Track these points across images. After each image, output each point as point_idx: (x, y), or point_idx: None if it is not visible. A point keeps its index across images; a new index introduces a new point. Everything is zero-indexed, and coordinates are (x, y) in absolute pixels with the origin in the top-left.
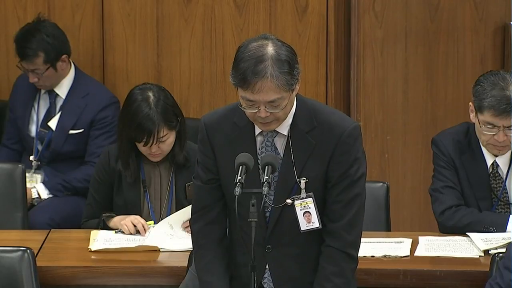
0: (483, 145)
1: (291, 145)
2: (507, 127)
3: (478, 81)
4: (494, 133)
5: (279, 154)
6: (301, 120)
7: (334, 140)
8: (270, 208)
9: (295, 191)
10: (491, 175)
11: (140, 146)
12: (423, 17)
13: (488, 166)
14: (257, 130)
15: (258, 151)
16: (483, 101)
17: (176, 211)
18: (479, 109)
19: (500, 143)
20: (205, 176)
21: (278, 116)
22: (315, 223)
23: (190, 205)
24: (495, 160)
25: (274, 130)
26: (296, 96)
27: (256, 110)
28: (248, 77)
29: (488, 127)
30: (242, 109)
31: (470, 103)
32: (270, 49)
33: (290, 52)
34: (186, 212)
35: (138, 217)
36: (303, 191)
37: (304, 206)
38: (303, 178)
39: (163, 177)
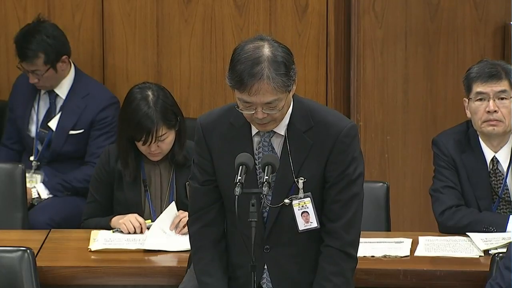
0: (479, 129)
1: (288, 145)
2: (497, 93)
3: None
4: (485, 105)
5: (276, 154)
6: (298, 120)
7: (331, 140)
8: (268, 208)
9: (293, 191)
10: (491, 172)
11: (140, 145)
12: (423, 17)
13: (488, 162)
14: (254, 130)
15: (255, 152)
16: (469, 75)
17: (177, 210)
18: (468, 88)
19: (493, 116)
20: (202, 177)
21: (275, 117)
22: (313, 223)
23: (172, 204)
24: (494, 155)
25: (271, 130)
26: (292, 96)
27: (253, 112)
28: (244, 79)
29: (479, 100)
30: (239, 110)
31: (464, 98)
32: (266, 50)
33: (286, 53)
34: (170, 211)
35: (136, 215)
36: (301, 191)
37: (302, 206)
38: (301, 178)
39: (164, 177)
